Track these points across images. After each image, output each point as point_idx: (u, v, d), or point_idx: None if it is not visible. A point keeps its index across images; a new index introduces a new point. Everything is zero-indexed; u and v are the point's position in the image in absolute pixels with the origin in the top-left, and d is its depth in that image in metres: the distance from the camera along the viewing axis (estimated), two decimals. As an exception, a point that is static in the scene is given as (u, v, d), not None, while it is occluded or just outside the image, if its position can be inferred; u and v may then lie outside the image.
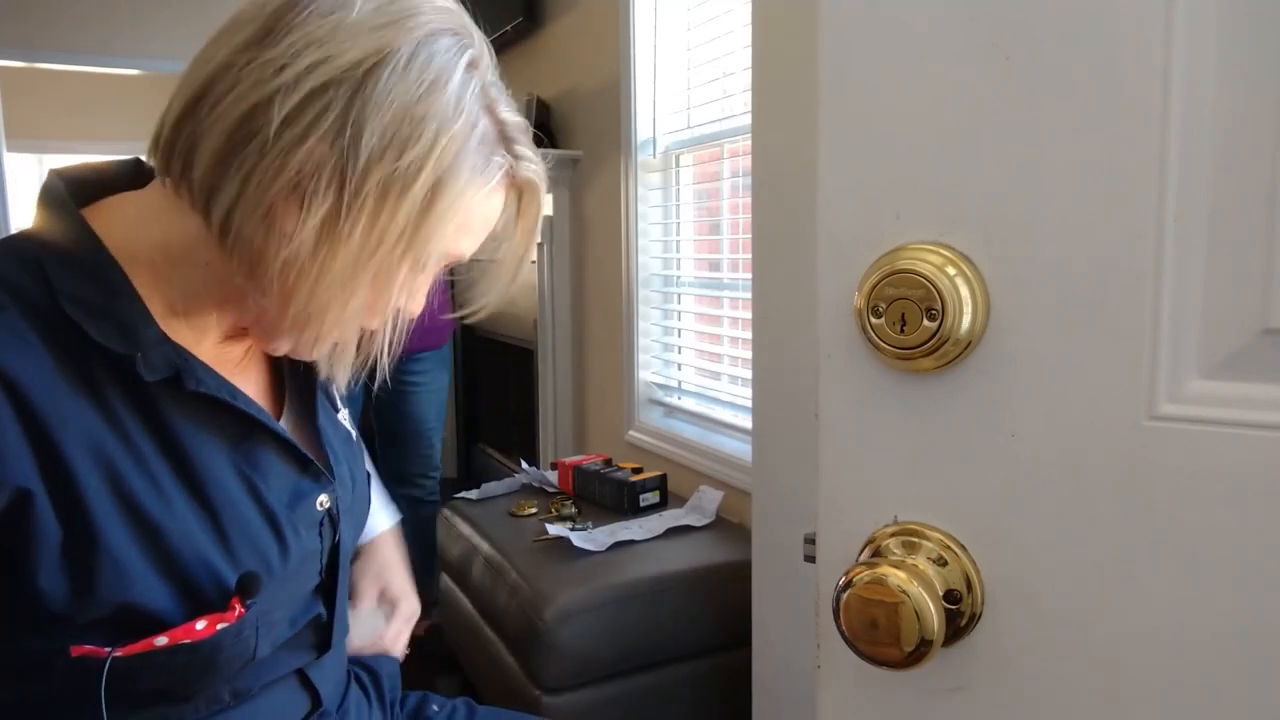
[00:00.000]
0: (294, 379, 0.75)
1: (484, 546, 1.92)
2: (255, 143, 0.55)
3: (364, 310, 0.62)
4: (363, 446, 0.85)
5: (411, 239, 0.59)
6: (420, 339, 2.37)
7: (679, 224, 2.39)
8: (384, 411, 2.45)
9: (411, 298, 0.66)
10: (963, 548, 0.49)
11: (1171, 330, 0.42)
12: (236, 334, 0.67)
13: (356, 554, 0.91)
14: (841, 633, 0.47)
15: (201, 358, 0.62)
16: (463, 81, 0.59)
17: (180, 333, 0.62)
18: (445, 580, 2.20)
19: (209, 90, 0.56)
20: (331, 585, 0.72)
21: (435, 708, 0.91)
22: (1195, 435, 0.42)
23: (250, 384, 0.70)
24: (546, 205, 2.83)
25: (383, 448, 2.49)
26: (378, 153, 0.56)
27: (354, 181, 0.56)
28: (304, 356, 0.67)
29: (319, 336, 0.62)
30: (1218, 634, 0.42)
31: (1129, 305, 0.43)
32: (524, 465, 2.42)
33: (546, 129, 2.80)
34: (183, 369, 0.60)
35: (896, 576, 0.45)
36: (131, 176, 0.65)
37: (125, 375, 0.58)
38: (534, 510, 2.05)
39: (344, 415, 0.82)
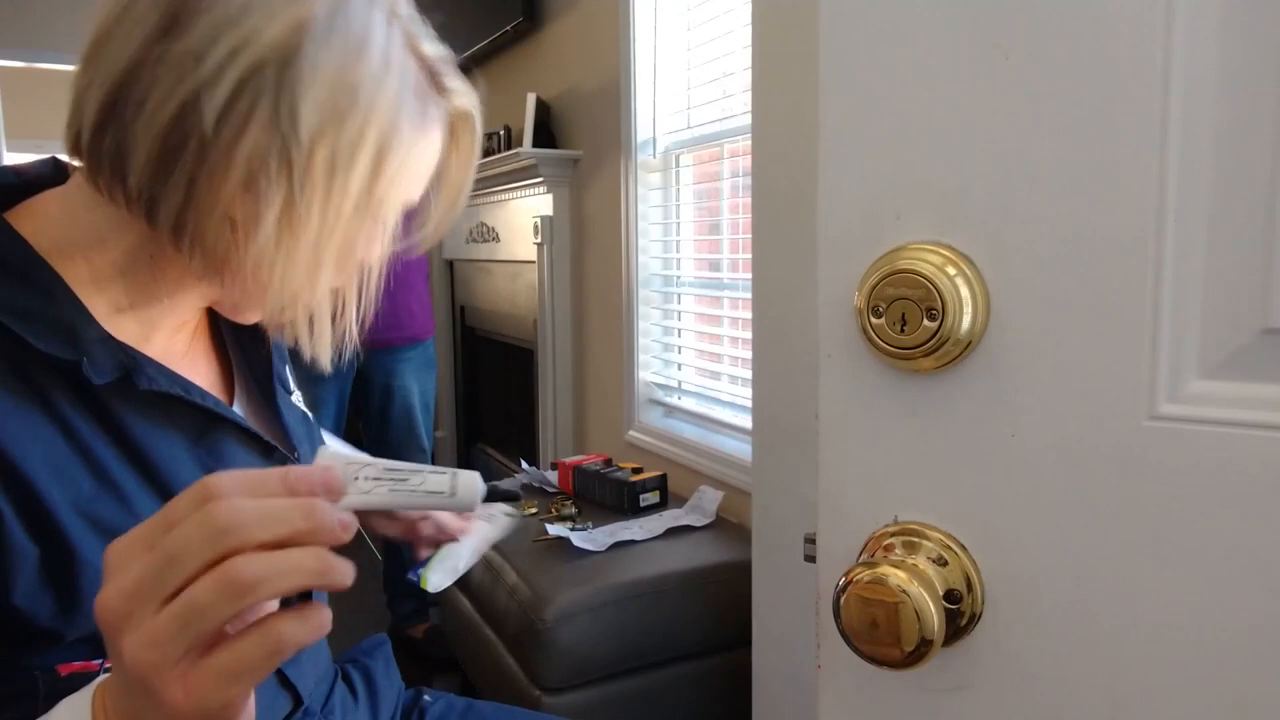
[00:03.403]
0: (243, 363, 0.73)
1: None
2: (192, 144, 0.53)
3: (333, 282, 0.62)
4: (316, 426, 0.83)
5: (367, 204, 0.59)
6: (403, 328, 2.36)
7: (679, 224, 2.39)
8: (372, 416, 2.43)
9: (368, 247, 0.65)
10: (963, 548, 0.49)
11: (1171, 330, 0.42)
12: (185, 322, 0.66)
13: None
14: (841, 633, 0.47)
15: (149, 353, 0.60)
16: (386, 36, 0.58)
17: (127, 328, 0.60)
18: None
19: (124, 92, 0.53)
20: None
21: (428, 698, 0.90)
22: (1195, 435, 0.42)
23: (200, 374, 0.68)
24: (545, 205, 2.80)
25: (372, 454, 2.48)
26: (318, 129, 0.54)
27: (301, 163, 0.55)
28: (275, 330, 0.66)
29: (295, 315, 0.61)
30: (1218, 633, 0.42)
31: (1129, 305, 0.43)
32: (524, 465, 2.42)
33: (546, 129, 2.79)
34: (132, 368, 0.58)
35: (896, 576, 0.45)
36: (52, 175, 0.63)
37: (73, 381, 0.56)
38: (534, 510, 2.05)
39: (296, 397, 0.80)
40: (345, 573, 0.40)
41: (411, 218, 0.70)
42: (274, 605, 0.40)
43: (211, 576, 0.36)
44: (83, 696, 0.42)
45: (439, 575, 0.89)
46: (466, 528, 0.91)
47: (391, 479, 0.44)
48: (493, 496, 0.47)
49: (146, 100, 0.53)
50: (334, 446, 0.45)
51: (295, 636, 0.38)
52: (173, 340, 0.65)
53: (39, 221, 0.58)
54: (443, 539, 0.91)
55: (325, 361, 0.66)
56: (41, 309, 0.55)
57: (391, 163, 0.58)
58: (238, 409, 0.70)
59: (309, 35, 0.54)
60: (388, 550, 2.53)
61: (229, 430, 0.64)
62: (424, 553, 0.92)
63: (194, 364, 0.68)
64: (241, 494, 0.38)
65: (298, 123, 0.54)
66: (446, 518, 0.90)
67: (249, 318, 0.66)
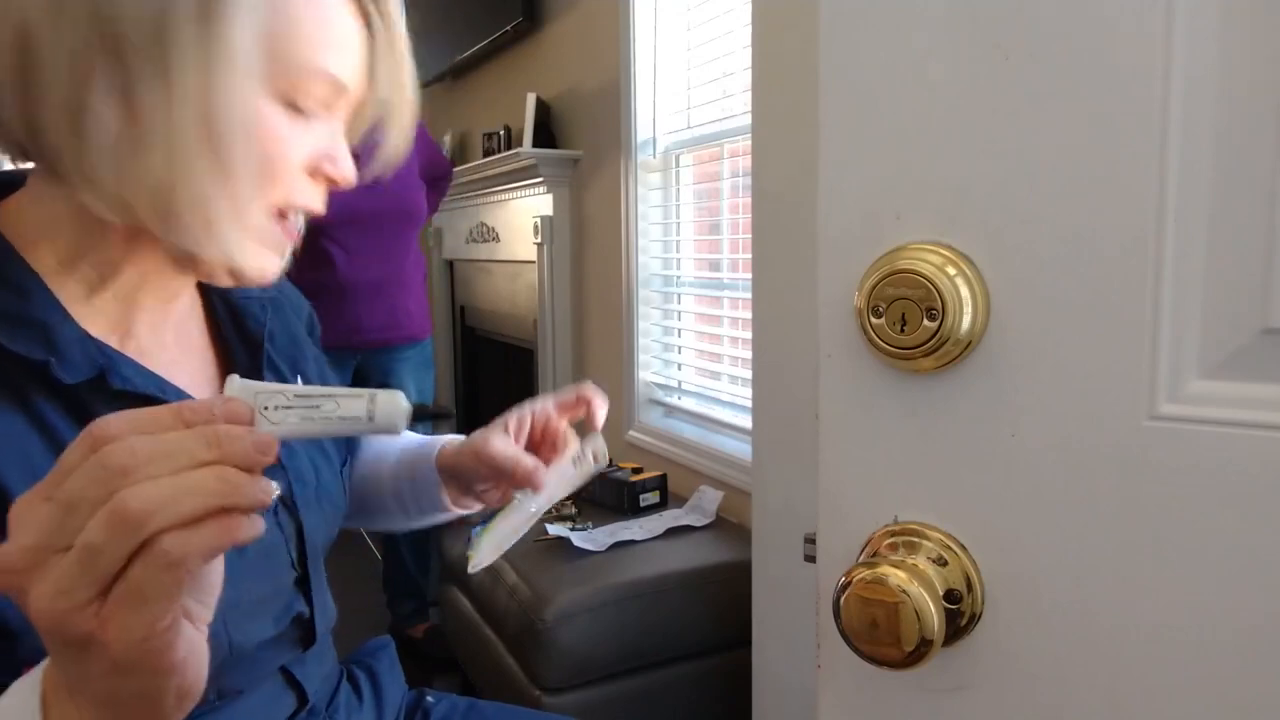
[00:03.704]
0: (241, 363, 0.72)
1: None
2: (29, 63, 0.51)
3: (256, 183, 0.56)
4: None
5: (209, 65, 0.52)
6: (401, 328, 2.36)
7: (679, 224, 2.39)
8: None
9: (332, 162, 0.60)
10: (963, 548, 0.49)
11: (1171, 330, 0.42)
12: (169, 305, 0.64)
13: (431, 465, 0.85)
14: (841, 633, 0.47)
15: (129, 350, 0.60)
16: None
17: (108, 311, 0.59)
18: (445, 581, 2.20)
19: None
20: (307, 579, 0.70)
21: (430, 700, 0.90)
22: (1195, 435, 0.42)
23: (184, 372, 0.66)
24: (545, 205, 2.79)
25: None
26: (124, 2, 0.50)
27: (122, 46, 0.51)
28: (242, 271, 0.60)
29: (225, 239, 0.56)
30: (1218, 633, 0.42)
31: (1129, 305, 0.43)
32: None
33: (546, 129, 2.79)
34: (106, 367, 0.56)
35: (896, 576, 0.45)
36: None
37: (50, 379, 0.54)
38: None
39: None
40: (256, 491, 0.37)
41: (370, 139, 0.67)
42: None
43: (101, 514, 0.35)
44: (33, 676, 0.42)
45: (486, 549, 0.81)
46: (540, 477, 0.77)
47: (303, 406, 0.41)
48: (420, 416, 0.44)
49: None
50: (243, 380, 0.41)
51: (182, 546, 0.36)
52: (159, 331, 0.64)
53: (12, 215, 0.58)
54: (518, 479, 0.78)
55: (266, 278, 0.61)
56: (15, 306, 0.54)
57: (245, 16, 0.52)
58: None
59: None
60: (387, 550, 2.53)
61: None
62: (480, 510, 0.85)
63: (183, 358, 0.66)
64: (134, 433, 0.37)
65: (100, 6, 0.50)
66: (521, 463, 0.77)
67: (204, 270, 0.60)
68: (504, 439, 0.78)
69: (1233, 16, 0.40)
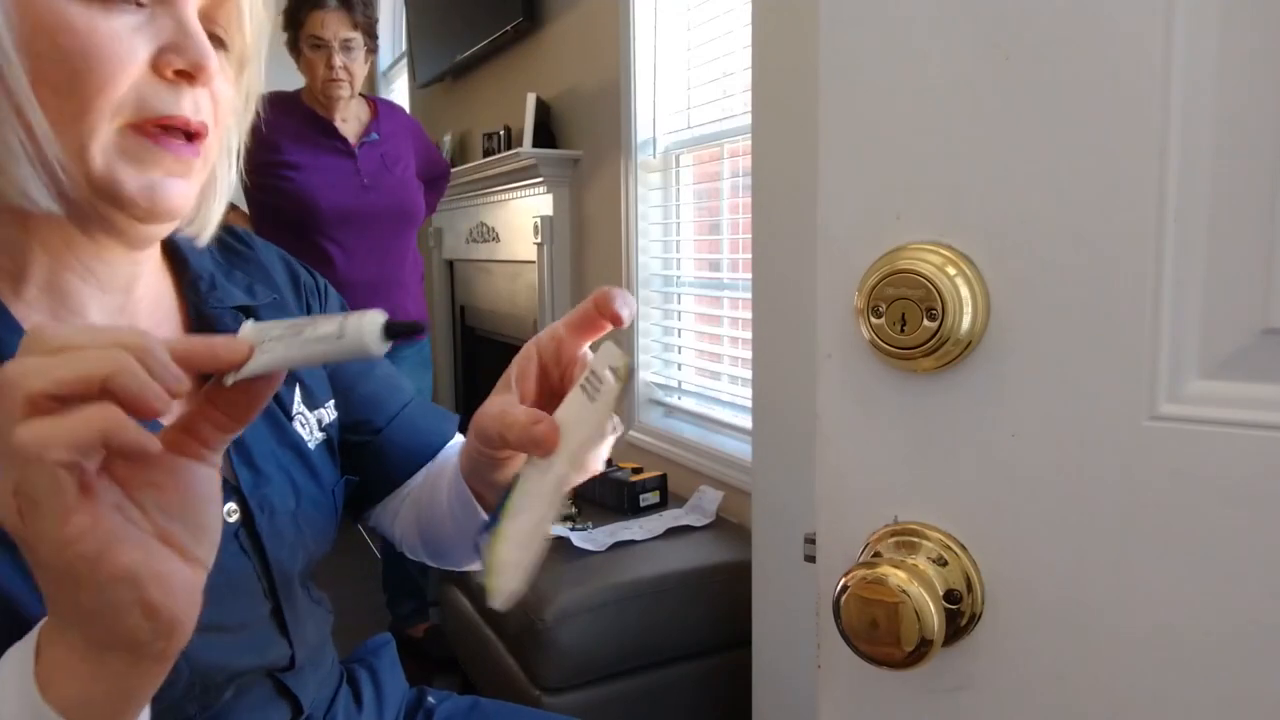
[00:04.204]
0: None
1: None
2: None
3: (79, 92, 0.50)
4: (325, 457, 0.73)
5: None
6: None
7: (679, 224, 2.39)
8: None
9: (180, 53, 0.52)
10: (963, 548, 0.49)
11: (1171, 330, 0.42)
12: (115, 285, 0.59)
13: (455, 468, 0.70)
14: (841, 633, 0.47)
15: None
16: None
17: (40, 304, 0.55)
18: (445, 581, 2.20)
19: None
20: (281, 610, 0.65)
21: (432, 700, 0.88)
22: (1195, 435, 0.42)
23: None
24: (545, 205, 2.77)
25: None
26: None
27: None
28: (138, 200, 0.53)
29: (87, 168, 0.51)
30: (1218, 633, 0.42)
31: (1129, 305, 0.43)
32: (524, 465, 2.41)
33: (546, 129, 2.79)
34: None
35: (896, 576, 0.45)
36: None
37: None
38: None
39: (311, 421, 0.72)
40: (143, 378, 0.35)
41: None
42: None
43: None
44: (32, 632, 0.42)
45: (509, 566, 0.53)
46: (543, 431, 0.49)
47: (289, 335, 0.41)
48: (392, 333, 0.41)
49: None
50: (257, 324, 0.43)
51: (35, 435, 0.34)
52: (96, 306, 0.59)
53: None
54: (517, 442, 0.50)
55: (143, 198, 0.53)
56: None
57: None
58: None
59: None
60: (387, 550, 2.53)
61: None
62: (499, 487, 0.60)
63: None
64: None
65: None
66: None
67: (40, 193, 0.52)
68: (501, 400, 0.53)
69: (1233, 16, 0.40)
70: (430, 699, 0.89)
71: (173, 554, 0.40)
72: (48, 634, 0.40)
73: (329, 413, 0.75)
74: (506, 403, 0.52)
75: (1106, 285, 0.43)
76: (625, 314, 0.50)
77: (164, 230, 0.60)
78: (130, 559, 0.37)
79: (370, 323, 0.41)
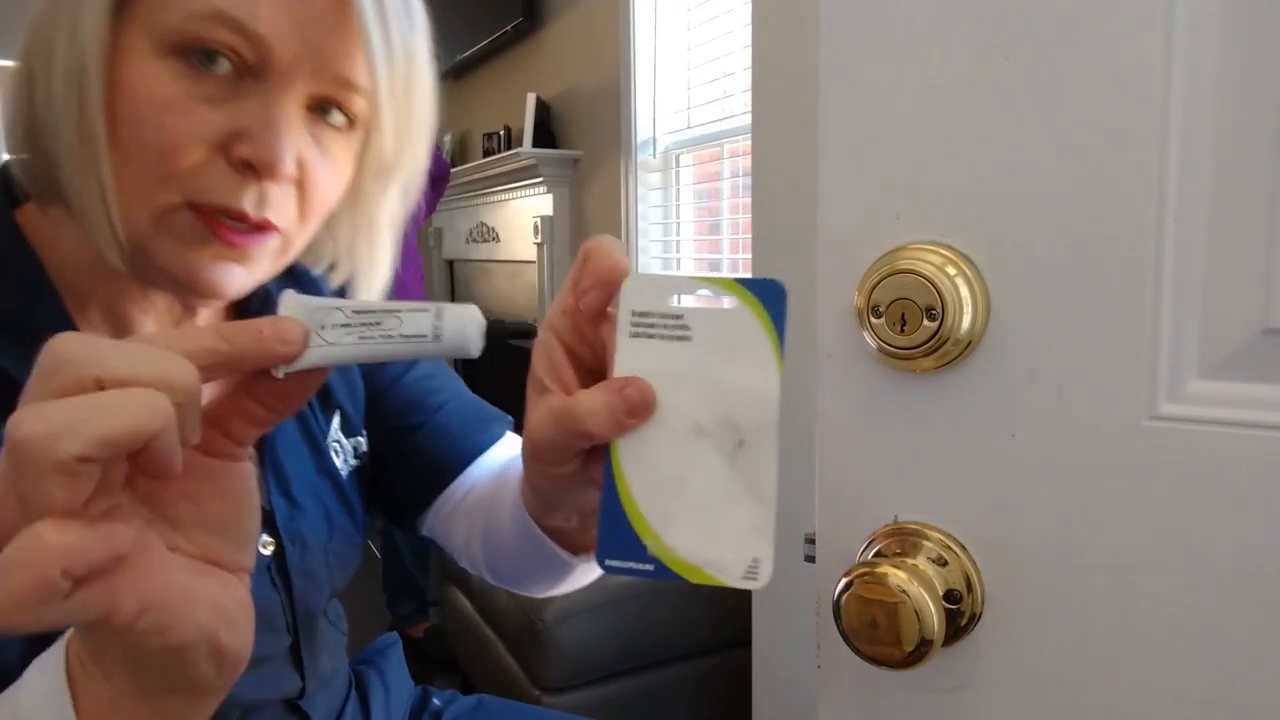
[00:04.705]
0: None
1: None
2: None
3: (141, 161, 0.47)
4: (353, 489, 0.70)
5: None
6: None
7: (679, 224, 2.39)
8: None
9: (251, 143, 0.47)
10: (963, 548, 0.49)
11: (1171, 330, 0.42)
12: (176, 321, 0.57)
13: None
14: (841, 633, 0.47)
15: None
16: None
17: (99, 329, 0.54)
18: (445, 581, 2.20)
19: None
20: (298, 645, 0.64)
21: (437, 702, 0.88)
22: (1195, 435, 0.42)
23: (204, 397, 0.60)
24: (545, 205, 2.77)
25: None
26: None
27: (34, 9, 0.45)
28: (181, 280, 0.50)
29: (137, 234, 0.48)
30: (1218, 633, 0.42)
31: (1129, 305, 0.43)
32: (524, 465, 2.41)
33: (546, 129, 2.79)
34: None
35: (896, 576, 0.45)
36: None
37: None
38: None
39: (347, 449, 0.69)
40: (185, 426, 0.30)
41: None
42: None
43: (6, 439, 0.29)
44: (53, 653, 0.36)
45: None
46: (638, 393, 0.40)
47: (361, 323, 0.35)
48: (497, 336, 0.35)
49: None
50: (300, 296, 0.36)
51: (26, 426, 0.28)
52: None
53: (35, 218, 0.53)
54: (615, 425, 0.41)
55: (191, 281, 0.50)
56: (28, 327, 0.49)
57: None
58: None
59: None
60: (387, 550, 2.53)
61: None
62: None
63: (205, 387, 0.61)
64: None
65: None
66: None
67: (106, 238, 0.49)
68: (545, 404, 0.43)
69: (1233, 16, 0.40)
70: (435, 700, 0.88)
71: (223, 576, 0.35)
72: (87, 674, 0.35)
73: (363, 441, 0.72)
74: (555, 403, 0.41)
75: (1106, 285, 0.43)
76: (623, 260, 0.41)
77: (221, 302, 0.56)
78: (199, 619, 0.33)
79: (472, 324, 0.36)
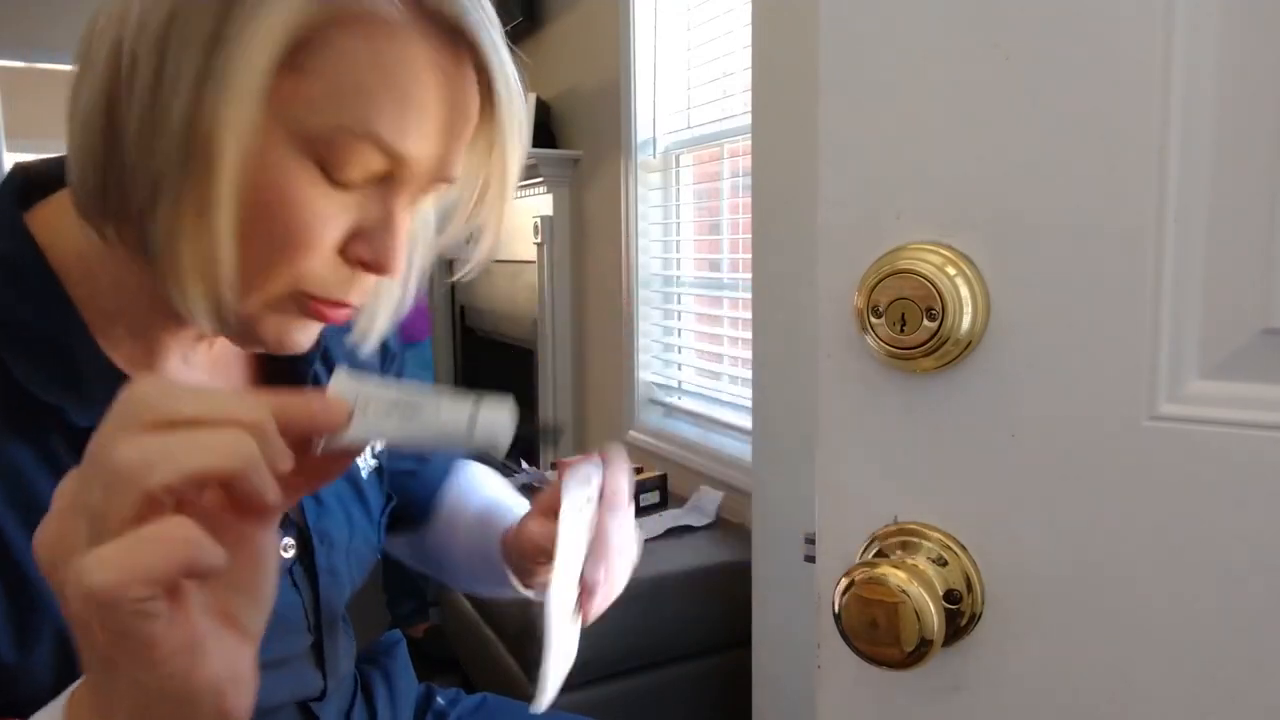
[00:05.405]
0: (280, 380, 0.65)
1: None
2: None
3: (278, 252, 0.47)
4: (375, 488, 0.72)
5: (205, 78, 0.43)
6: (399, 330, 2.35)
7: (679, 224, 2.39)
8: None
9: (370, 247, 0.49)
10: (963, 548, 0.49)
11: (1171, 330, 0.42)
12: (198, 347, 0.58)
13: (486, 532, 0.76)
14: (841, 633, 0.47)
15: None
16: None
17: (125, 345, 0.53)
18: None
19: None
20: (321, 644, 0.64)
21: (441, 700, 0.87)
22: (1195, 435, 0.42)
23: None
24: (545, 205, 2.77)
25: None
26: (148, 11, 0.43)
27: (129, 48, 0.44)
28: (269, 344, 0.52)
29: (243, 312, 0.49)
30: (1219, 633, 0.42)
31: (1129, 305, 0.43)
32: (524, 465, 2.42)
33: (546, 129, 2.80)
34: None
35: (896, 576, 0.45)
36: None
37: (66, 418, 0.48)
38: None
39: (367, 458, 0.70)
40: (264, 466, 0.32)
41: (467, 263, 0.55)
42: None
43: (95, 465, 0.31)
44: (54, 707, 0.37)
45: (554, 678, 0.62)
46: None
47: (402, 413, 0.37)
48: (523, 440, 0.39)
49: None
50: (349, 376, 0.38)
51: (193, 549, 0.30)
52: (190, 364, 0.58)
53: (63, 222, 0.52)
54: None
55: (275, 345, 0.52)
56: (42, 335, 0.49)
57: (232, 27, 0.43)
58: None
59: None
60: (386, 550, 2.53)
61: None
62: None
63: (216, 383, 0.60)
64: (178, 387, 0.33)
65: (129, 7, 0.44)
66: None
67: (232, 336, 0.52)
68: (535, 522, 0.67)
69: (1233, 16, 0.40)
70: (439, 699, 0.87)
71: (237, 638, 0.36)
72: (90, 715, 0.36)
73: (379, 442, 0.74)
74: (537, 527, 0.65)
75: (1106, 285, 0.43)
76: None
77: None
78: (214, 669, 0.34)
79: (503, 424, 0.38)
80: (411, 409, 0.37)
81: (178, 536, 0.30)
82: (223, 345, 0.61)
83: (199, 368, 0.59)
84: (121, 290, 0.52)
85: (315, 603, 0.64)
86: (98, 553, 0.30)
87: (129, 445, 0.31)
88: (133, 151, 0.45)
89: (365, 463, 0.71)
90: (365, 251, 0.49)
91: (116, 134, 0.46)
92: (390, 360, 0.78)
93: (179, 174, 0.45)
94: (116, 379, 0.50)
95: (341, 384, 0.38)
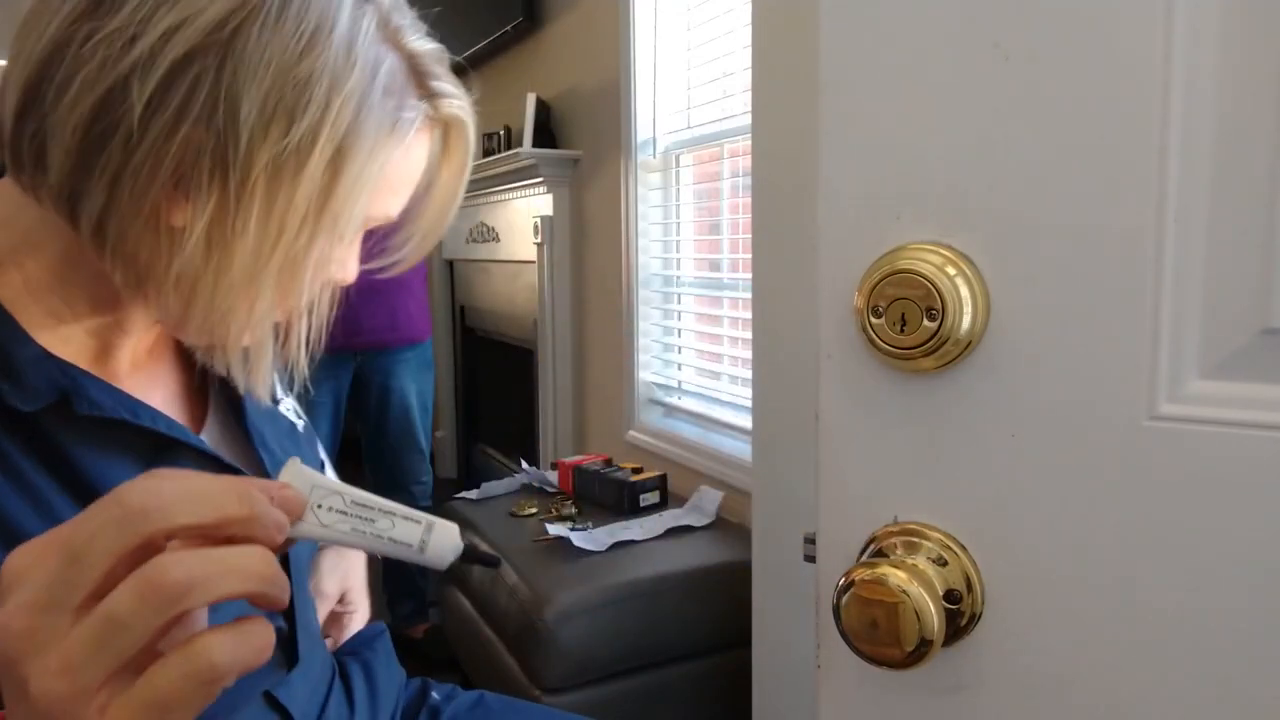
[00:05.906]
0: (218, 376, 0.66)
1: (483, 547, 1.92)
2: (118, 137, 0.46)
3: (275, 306, 0.54)
4: (313, 434, 0.78)
5: (318, 220, 0.51)
6: (401, 330, 2.35)
7: (679, 224, 2.39)
8: (369, 418, 2.42)
9: (341, 267, 0.59)
10: (963, 548, 0.49)
11: (1171, 330, 0.42)
12: (146, 332, 0.61)
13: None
14: (841, 633, 0.47)
15: (100, 369, 0.55)
16: (352, 20, 0.49)
17: (75, 340, 0.55)
18: (445, 581, 2.20)
19: (46, 75, 0.46)
20: (291, 598, 0.66)
21: (436, 696, 0.86)
22: (1195, 435, 0.42)
23: (160, 387, 0.62)
24: (545, 205, 2.79)
25: (371, 456, 2.47)
26: (260, 129, 0.47)
27: (239, 168, 0.48)
28: (216, 360, 0.57)
29: (227, 340, 0.55)
30: (1218, 633, 0.42)
31: (1129, 305, 0.43)
32: (524, 465, 2.42)
33: (546, 129, 2.79)
34: (71, 390, 0.51)
35: (896, 576, 0.45)
36: None
37: (4, 405, 0.49)
38: (534, 510, 2.05)
39: (286, 404, 0.75)
40: (286, 585, 0.34)
41: (389, 232, 0.63)
42: (204, 620, 0.34)
43: (131, 579, 0.30)
44: None
45: None
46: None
47: (357, 516, 0.38)
48: (469, 558, 0.40)
49: (70, 85, 0.46)
50: (303, 467, 0.40)
51: (231, 660, 0.31)
52: (129, 352, 0.60)
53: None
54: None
55: (262, 392, 0.60)
56: None
57: (349, 173, 0.51)
58: (210, 427, 0.64)
59: (257, 19, 0.47)
60: (388, 550, 2.53)
61: (186, 454, 0.57)
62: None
63: (154, 377, 0.62)
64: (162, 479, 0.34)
65: (237, 119, 0.47)
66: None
67: (187, 339, 0.58)
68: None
69: (1232, 16, 0.40)
70: (434, 695, 0.87)
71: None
72: None
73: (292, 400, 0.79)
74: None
75: (1106, 285, 0.43)
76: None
77: None
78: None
79: (452, 548, 0.39)
80: (367, 517, 0.39)
81: (208, 658, 0.32)
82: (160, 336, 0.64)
83: (139, 351, 0.61)
84: (74, 297, 0.55)
85: (284, 560, 0.64)
86: (219, 636, 0.32)
87: (176, 565, 0.31)
88: (221, 262, 0.51)
89: (299, 419, 0.76)
90: (340, 274, 0.59)
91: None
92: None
93: (269, 280, 0.52)
94: (51, 365, 0.52)
95: (293, 474, 0.38)
